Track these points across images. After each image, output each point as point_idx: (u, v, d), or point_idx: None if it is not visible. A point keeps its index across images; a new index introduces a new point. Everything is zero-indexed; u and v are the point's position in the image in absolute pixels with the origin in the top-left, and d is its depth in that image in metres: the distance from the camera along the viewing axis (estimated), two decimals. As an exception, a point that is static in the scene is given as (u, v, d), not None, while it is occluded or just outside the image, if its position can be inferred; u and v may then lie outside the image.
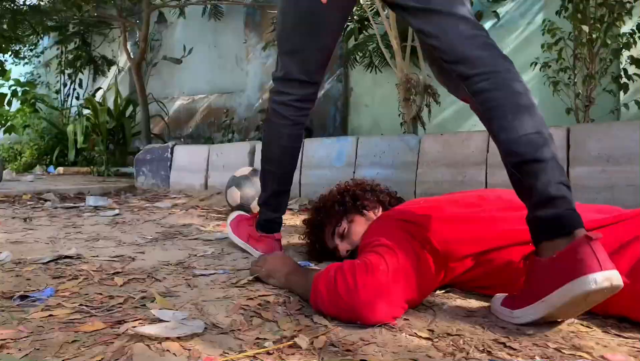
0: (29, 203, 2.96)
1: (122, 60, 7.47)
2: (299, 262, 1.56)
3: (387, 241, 1.13)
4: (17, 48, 7.37)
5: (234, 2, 5.68)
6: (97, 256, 1.66)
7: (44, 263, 1.53)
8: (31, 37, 7.12)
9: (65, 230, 2.16)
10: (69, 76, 7.52)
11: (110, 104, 6.69)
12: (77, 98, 7.69)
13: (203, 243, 1.95)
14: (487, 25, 4.82)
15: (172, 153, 3.59)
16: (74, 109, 7.53)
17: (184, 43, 7.03)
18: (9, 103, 8.04)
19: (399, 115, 4.09)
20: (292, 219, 2.55)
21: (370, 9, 4.56)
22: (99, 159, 5.86)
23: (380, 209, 1.55)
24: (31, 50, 7.60)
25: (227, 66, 7.03)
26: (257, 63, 6.42)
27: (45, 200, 3.04)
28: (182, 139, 7.16)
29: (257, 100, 6.42)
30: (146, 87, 6.40)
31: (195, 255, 1.72)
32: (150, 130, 6.13)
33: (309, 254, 1.61)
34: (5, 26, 6.50)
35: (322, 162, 2.97)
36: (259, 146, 3.27)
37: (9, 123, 7.55)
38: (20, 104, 7.87)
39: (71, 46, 7.37)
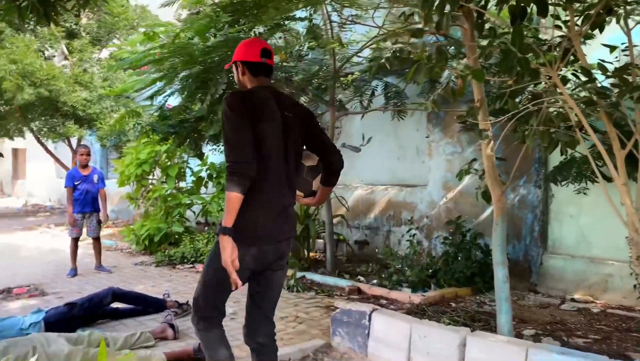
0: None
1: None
2: None
3: None
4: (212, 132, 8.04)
5: (415, 109, 5.47)
6: None
7: None
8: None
9: None
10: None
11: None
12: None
13: None
14: None
15: (370, 320, 3.43)
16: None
17: (362, 132, 7.00)
18: (205, 185, 8.84)
19: (631, 273, 3.46)
20: None
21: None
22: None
23: None
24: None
25: (407, 157, 6.85)
26: (440, 160, 6.11)
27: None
28: (360, 228, 7.13)
29: (441, 198, 6.09)
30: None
31: None
32: (333, 231, 6.15)
33: None
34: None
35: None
36: (470, 338, 2.95)
37: (206, 207, 8.27)
38: (215, 187, 8.61)
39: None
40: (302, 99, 5.96)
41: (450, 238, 5.30)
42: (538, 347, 2.73)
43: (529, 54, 3.00)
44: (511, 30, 2.85)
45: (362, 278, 5.64)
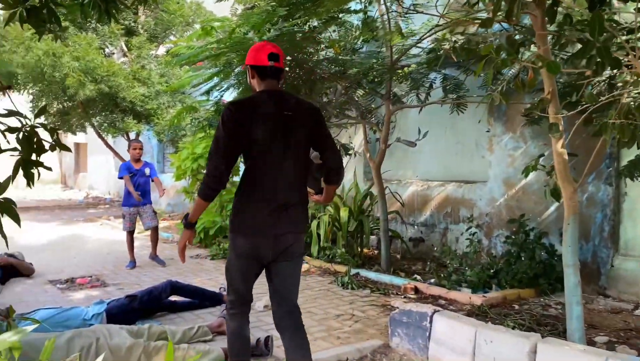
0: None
1: (357, 143, 7.62)
2: None
3: None
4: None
5: (477, 102, 5.23)
6: None
7: None
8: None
9: None
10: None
11: (346, 191, 6.83)
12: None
13: None
14: None
15: (431, 322, 3.30)
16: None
17: (418, 126, 6.81)
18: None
19: None
20: None
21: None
22: (341, 255, 6.01)
23: None
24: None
25: (465, 153, 6.61)
26: (501, 154, 5.86)
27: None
28: (415, 225, 6.95)
29: (502, 195, 5.84)
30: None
31: None
32: (388, 228, 6.02)
33: None
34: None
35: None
36: (541, 345, 2.77)
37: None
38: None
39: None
40: (358, 93, 5.84)
41: (513, 236, 5.07)
42: (618, 357, 2.53)
43: (609, 42, 2.78)
44: (585, 16, 2.66)
45: (418, 277, 5.49)
